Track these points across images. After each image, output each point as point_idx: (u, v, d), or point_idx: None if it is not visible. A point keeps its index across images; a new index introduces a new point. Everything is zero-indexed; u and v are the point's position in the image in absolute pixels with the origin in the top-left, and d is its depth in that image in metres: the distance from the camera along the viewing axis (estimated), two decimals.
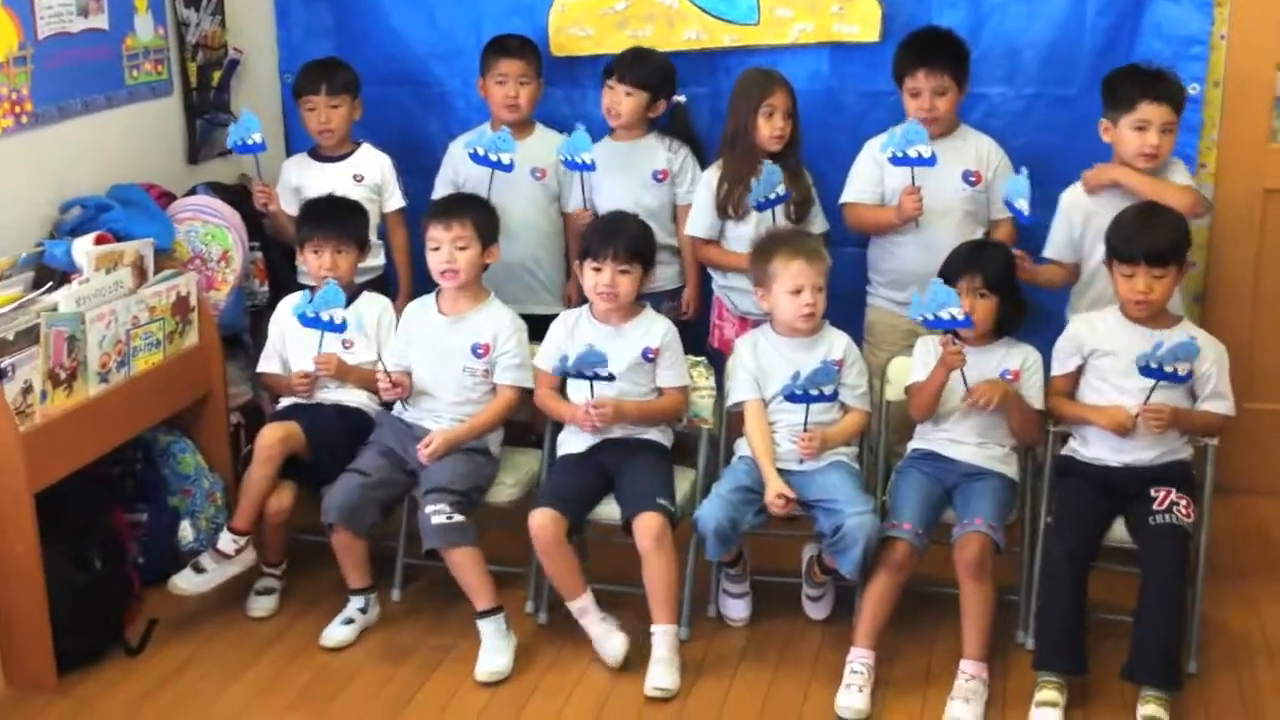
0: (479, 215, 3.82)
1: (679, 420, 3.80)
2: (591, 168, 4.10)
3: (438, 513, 3.56)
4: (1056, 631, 3.37)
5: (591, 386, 3.57)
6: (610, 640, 3.55)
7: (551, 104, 4.59)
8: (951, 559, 3.44)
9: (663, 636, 3.49)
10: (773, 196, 3.94)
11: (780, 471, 3.56)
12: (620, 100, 4.22)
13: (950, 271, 3.58)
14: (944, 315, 3.46)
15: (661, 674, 3.43)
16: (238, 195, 4.34)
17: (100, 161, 4.04)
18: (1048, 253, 3.93)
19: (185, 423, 3.98)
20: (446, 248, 3.75)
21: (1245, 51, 4.26)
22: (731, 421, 3.81)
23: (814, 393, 3.54)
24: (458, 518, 3.57)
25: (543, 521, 3.52)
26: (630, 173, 4.26)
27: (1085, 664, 3.35)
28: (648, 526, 3.50)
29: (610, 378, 3.56)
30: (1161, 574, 3.33)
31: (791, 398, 3.55)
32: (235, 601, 3.81)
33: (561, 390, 3.77)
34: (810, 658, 3.60)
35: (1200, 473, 3.57)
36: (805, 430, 3.56)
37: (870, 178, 4.08)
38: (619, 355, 3.65)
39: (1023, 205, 3.71)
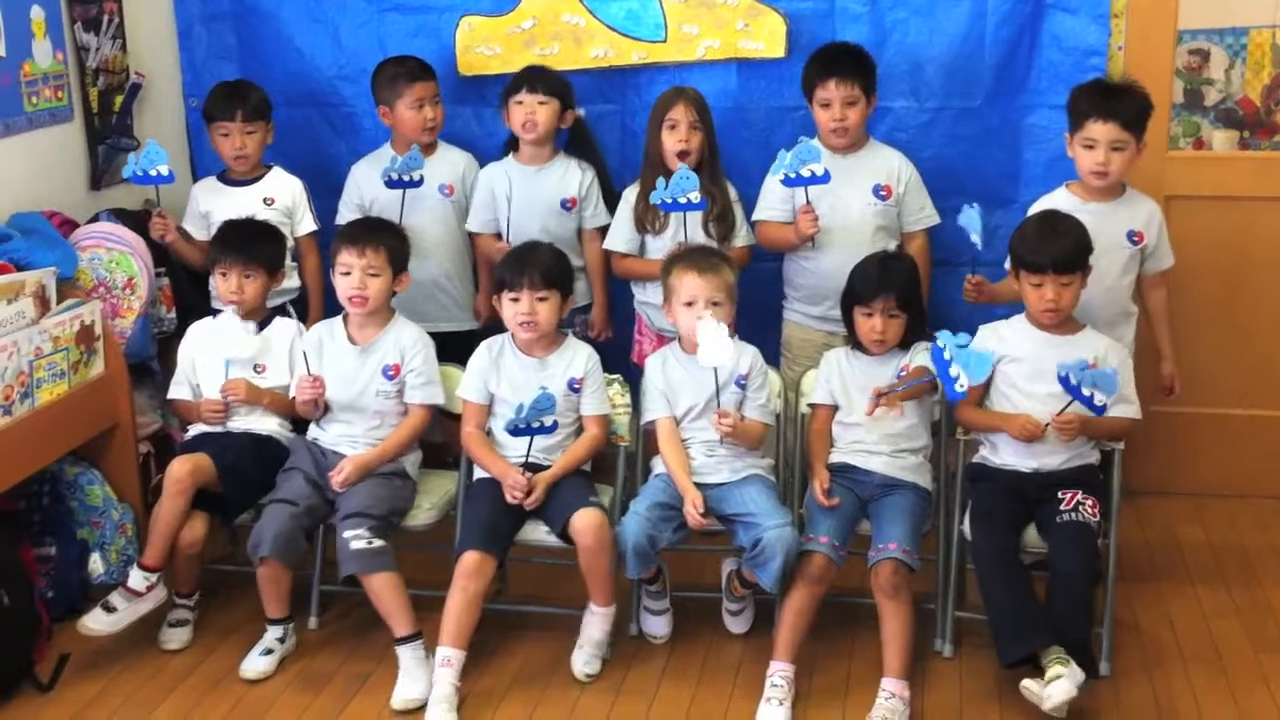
0: (392, 243, 3.80)
1: (601, 446, 3.78)
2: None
3: (357, 538, 3.52)
4: (1012, 620, 3.35)
5: (530, 441, 3.54)
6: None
7: (460, 123, 4.59)
8: (868, 569, 3.46)
9: (602, 619, 3.60)
10: (683, 201, 3.93)
11: (697, 486, 3.57)
12: (536, 110, 4.19)
13: (861, 294, 3.63)
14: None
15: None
16: (142, 221, 4.26)
17: (0, 190, 3.95)
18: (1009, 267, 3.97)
19: (92, 453, 3.90)
20: (358, 274, 3.72)
21: (1142, 61, 4.34)
22: (648, 439, 3.81)
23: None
24: (377, 543, 3.54)
25: (476, 568, 3.49)
26: (539, 202, 4.26)
27: (1053, 637, 3.28)
28: (586, 522, 3.50)
29: (554, 427, 3.55)
30: (1067, 569, 3.38)
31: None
32: (148, 634, 3.74)
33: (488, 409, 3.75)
34: (731, 672, 3.61)
35: (1108, 476, 3.63)
36: (719, 410, 3.57)
37: (779, 195, 4.09)
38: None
39: (976, 239, 3.75)
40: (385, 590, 3.53)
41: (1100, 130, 3.76)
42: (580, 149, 4.37)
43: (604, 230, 4.28)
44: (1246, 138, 4.78)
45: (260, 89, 4.34)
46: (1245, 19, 4.74)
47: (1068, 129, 3.87)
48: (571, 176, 4.30)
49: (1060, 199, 3.91)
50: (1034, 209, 3.92)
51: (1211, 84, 4.77)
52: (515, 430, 3.52)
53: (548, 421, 3.51)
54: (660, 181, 3.94)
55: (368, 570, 3.52)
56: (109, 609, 3.62)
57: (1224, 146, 4.75)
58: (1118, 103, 3.78)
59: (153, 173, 4.06)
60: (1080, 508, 3.45)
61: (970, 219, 3.76)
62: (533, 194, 4.26)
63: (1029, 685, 3.24)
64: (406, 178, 4.16)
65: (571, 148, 4.36)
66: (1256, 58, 4.76)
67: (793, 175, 3.89)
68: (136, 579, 3.64)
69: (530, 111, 4.19)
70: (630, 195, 4.21)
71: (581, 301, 4.32)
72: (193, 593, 3.81)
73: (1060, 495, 3.48)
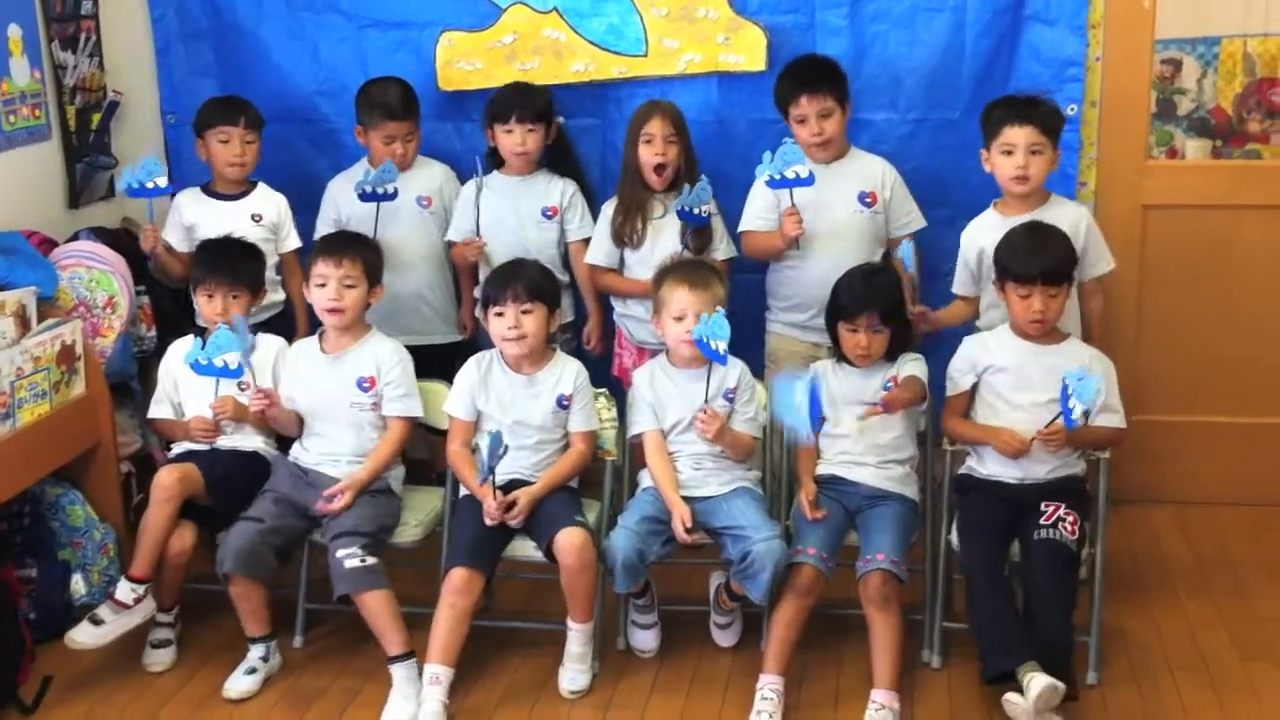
0: (368, 255, 3.81)
1: (588, 463, 3.77)
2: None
3: (350, 556, 3.50)
4: (996, 634, 3.35)
5: (493, 473, 3.51)
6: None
7: (441, 138, 4.57)
8: (856, 580, 3.46)
9: (579, 634, 3.57)
10: (696, 212, 3.97)
11: (685, 499, 3.56)
12: (526, 139, 4.19)
13: (845, 310, 3.63)
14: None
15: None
16: (121, 239, 4.25)
17: None
18: (956, 289, 4.00)
19: (74, 474, 3.87)
20: (334, 285, 3.71)
21: (1120, 72, 4.38)
22: (634, 453, 3.81)
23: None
24: (370, 560, 3.52)
25: (464, 585, 3.48)
26: (519, 210, 4.25)
27: (1032, 653, 3.26)
28: (570, 541, 3.48)
29: (505, 450, 3.48)
30: (1041, 589, 3.38)
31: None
32: (132, 655, 3.71)
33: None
34: (720, 685, 3.60)
35: (1094, 486, 3.64)
36: (705, 408, 3.56)
37: (765, 203, 4.10)
38: (534, 407, 3.65)
39: (914, 274, 3.82)
40: (379, 608, 3.51)
41: (1017, 134, 3.79)
42: (561, 159, 4.36)
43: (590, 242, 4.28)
44: (1219, 146, 4.81)
45: (253, 104, 4.32)
46: (1217, 28, 4.77)
47: (984, 145, 3.90)
48: (554, 188, 4.30)
49: (988, 219, 3.92)
50: (965, 235, 3.95)
51: (1184, 93, 4.81)
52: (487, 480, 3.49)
53: (500, 451, 3.43)
54: (686, 187, 3.98)
55: (362, 588, 3.50)
56: (96, 622, 3.58)
57: (1197, 156, 4.78)
58: (1033, 108, 3.82)
59: (150, 185, 4.02)
60: (1060, 524, 3.44)
61: (908, 254, 3.82)
62: (515, 202, 4.26)
63: (1012, 699, 3.22)
64: (380, 190, 4.16)
65: (554, 162, 4.35)
66: (1228, 67, 4.80)
67: (777, 177, 3.91)
68: (124, 591, 3.60)
69: (520, 142, 4.19)
70: (608, 209, 4.21)
71: (565, 318, 4.30)
72: (173, 606, 3.76)
73: (1043, 508, 3.48)
